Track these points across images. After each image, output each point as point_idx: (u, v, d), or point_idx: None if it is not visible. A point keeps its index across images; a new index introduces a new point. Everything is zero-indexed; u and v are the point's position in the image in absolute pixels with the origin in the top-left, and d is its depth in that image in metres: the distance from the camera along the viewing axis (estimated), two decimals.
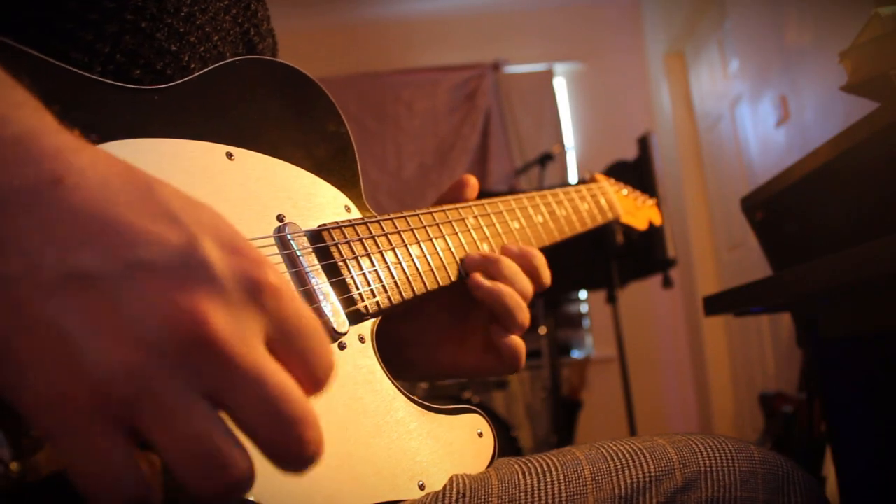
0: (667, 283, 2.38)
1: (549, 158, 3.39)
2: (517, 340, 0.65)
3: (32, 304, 0.27)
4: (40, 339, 0.27)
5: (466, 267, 0.66)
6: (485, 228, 0.71)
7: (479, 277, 0.64)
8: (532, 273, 0.68)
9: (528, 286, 0.66)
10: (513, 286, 0.64)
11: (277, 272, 0.32)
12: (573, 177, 4.56)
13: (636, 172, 2.37)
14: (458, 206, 0.70)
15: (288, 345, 0.31)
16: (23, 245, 0.27)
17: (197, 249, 0.29)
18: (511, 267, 0.65)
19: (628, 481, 0.53)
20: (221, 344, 0.28)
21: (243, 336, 0.29)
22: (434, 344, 0.70)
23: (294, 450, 0.29)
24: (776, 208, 1.22)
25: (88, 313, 0.27)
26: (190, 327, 0.28)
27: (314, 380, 0.32)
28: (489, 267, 0.65)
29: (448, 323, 0.70)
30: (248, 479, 0.29)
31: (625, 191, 1.09)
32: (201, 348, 0.28)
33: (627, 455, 0.55)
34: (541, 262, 0.69)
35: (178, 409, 0.27)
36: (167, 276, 0.28)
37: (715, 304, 1.25)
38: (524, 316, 0.64)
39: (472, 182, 0.73)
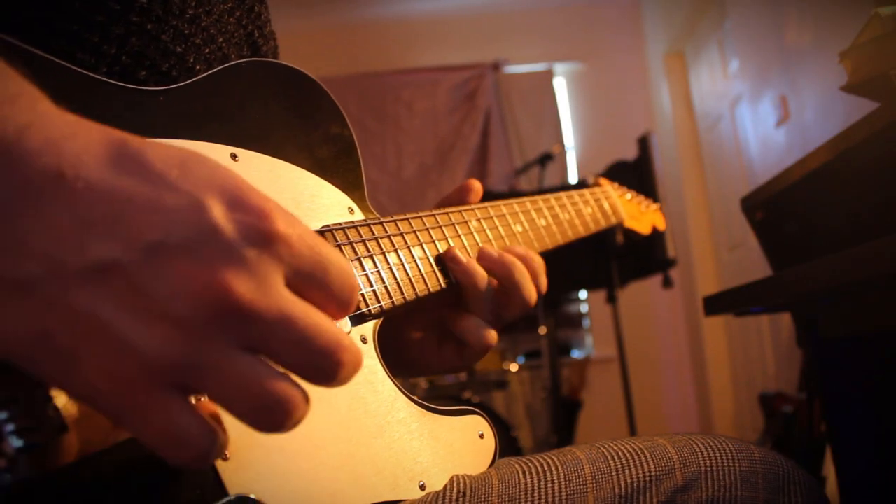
0: (667, 283, 2.38)
1: (549, 158, 3.39)
2: (476, 322, 0.65)
3: (64, 300, 0.28)
4: (82, 330, 0.28)
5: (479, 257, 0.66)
6: (487, 231, 0.71)
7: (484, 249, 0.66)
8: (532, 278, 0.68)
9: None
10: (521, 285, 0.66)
11: (284, 215, 0.33)
12: (573, 177, 4.56)
13: (636, 172, 2.37)
14: (461, 208, 0.70)
15: (308, 281, 0.33)
16: (39, 245, 0.28)
17: (203, 215, 0.30)
18: (523, 272, 0.66)
19: (629, 481, 0.53)
20: (246, 305, 0.30)
21: (264, 289, 0.31)
22: (410, 344, 0.70)
23: (335, 372, 0.32)
24: (776, 208, 1.23)
25: (120, 299, 0.29)
26: (215, 298, 0.29)
27: (340, 303, 0.35)
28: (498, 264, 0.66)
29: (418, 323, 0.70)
30: (304, 405, 0.32)
31: (628, 195, 1.09)
32: (229, 313, 0.30)
33: (628, 454, 0.55)
34: (540, 267, 0.69)
35: (224, 366, 0.30)
36: (183, 252, 0.29)
37: (715, 304, 1.26)
38: (531, 294, 0.66)
39: (476, 187, 0.73)
